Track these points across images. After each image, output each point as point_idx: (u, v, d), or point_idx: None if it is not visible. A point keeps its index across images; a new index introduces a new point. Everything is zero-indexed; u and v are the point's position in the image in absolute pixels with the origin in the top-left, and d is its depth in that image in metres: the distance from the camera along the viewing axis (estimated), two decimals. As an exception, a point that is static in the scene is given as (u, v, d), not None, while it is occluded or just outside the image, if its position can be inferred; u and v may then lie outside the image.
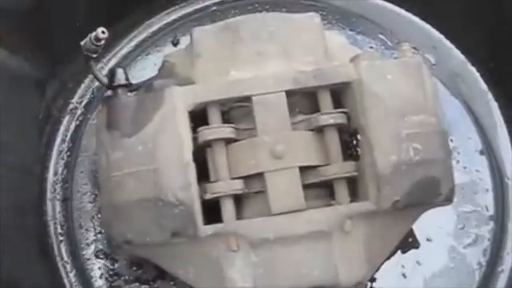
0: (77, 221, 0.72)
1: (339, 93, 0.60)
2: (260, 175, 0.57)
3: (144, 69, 0.78)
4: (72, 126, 0.77)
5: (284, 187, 0.57)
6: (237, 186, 0.57)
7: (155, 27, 0.81)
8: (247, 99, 0.58)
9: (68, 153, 0.76)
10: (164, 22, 0.81)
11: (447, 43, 0.80)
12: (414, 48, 0.79)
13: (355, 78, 0.58)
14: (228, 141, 0.59)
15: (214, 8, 0.81)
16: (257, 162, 0.57)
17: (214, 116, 0.59)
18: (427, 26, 0.81)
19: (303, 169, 0.58)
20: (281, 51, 0.60)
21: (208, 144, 0.58)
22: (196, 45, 0.62)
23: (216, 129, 0.58)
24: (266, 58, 0.60)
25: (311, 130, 0.59)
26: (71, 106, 0.78)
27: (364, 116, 0.58)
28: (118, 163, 0.58)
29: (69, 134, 0.77)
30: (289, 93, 0.58)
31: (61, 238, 0.72)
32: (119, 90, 0.60)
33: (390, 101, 0.58)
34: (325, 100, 0.59)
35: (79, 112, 0.77)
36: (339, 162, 0.58)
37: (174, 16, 0.81)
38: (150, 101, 0.58)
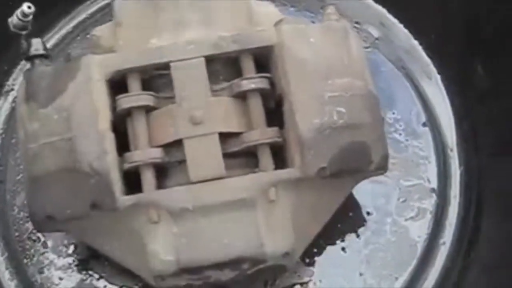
0: (10, 203, 0.70)
1: (264, 59, 0.59)
2: (180, 143, 0.55)
3: (87, 49, 0.75)
4: (7, 108, 0.75)
5: (203, 154, 0.55)
6: (156, 154, 0.56)
7: (94, 8, 0.80)
8: (167, 66, 0.57)
9: (3, 135, 0.74)
10: (105, 1, 0.80)
11: (391, 17, 0.79)
12: (357, 22, 0.78)
13: (277, 42, 0.57)
14: (148, 110, 0.57)
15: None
16: (176, 129, 0.55)
17: (133, 84, 0.57)
18: (371, 1, 0.80)
19: (225, 137, 0.56)
20: (202, 19, 0.59)
21: (128, 113, 0.57)
22: (117, 14, 0.60)
23: (134, 97, 0.56)
24: (186, 26, 0.58)
25: (234, 96, 0.57)
26: (5, 88, 0.76)
27: (286, 80, 0.56)
28: (35, 134, 0.56)
29: (3, 116, 0.75)
30: (210, 60, 0.57)
31: (-7, 220, 0.70)
32: (36, 61, 0.59)
33: (312, 64, 0.56)
34: (247, 66, 0.57)
35: (13, 94, 0.75)
36: (262, 128, 0.57)
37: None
38: (66, 70, 0.57)
